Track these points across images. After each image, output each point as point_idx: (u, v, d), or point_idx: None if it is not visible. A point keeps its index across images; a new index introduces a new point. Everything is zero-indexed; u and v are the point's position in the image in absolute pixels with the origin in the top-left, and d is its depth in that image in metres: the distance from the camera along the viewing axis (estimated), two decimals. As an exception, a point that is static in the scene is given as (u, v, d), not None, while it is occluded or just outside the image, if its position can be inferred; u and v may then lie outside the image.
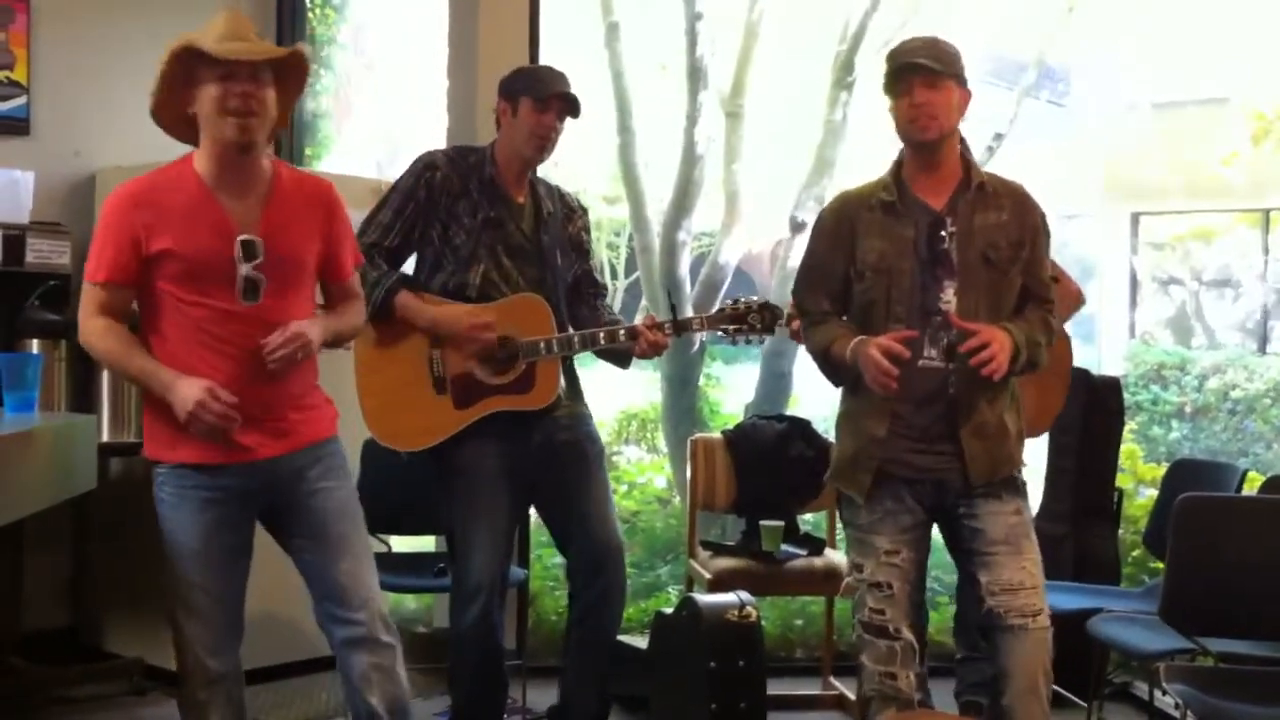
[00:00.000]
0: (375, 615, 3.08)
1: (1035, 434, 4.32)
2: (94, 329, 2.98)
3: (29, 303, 4.55)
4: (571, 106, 3.74)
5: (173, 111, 3.00)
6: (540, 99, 3.69)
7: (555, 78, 3.75)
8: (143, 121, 5.26)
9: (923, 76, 3.14)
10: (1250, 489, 4.41)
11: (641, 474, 7.46)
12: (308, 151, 5.76)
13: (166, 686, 4.61)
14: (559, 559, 5.63)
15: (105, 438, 4.53)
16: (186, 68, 2.92)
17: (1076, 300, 4.24)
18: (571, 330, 3.77)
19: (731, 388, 8.55)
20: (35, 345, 4.49)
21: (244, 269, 2.95)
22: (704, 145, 7.12)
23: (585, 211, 4.03)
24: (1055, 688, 4.13)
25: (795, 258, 7.19)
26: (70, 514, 4.70)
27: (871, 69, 7.22)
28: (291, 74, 3.04)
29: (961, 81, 3.21)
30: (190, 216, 2.94)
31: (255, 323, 2.96)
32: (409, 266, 3.83)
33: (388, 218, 3.73)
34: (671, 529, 6.61)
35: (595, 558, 3.82)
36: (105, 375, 4.63)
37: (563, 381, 3.76)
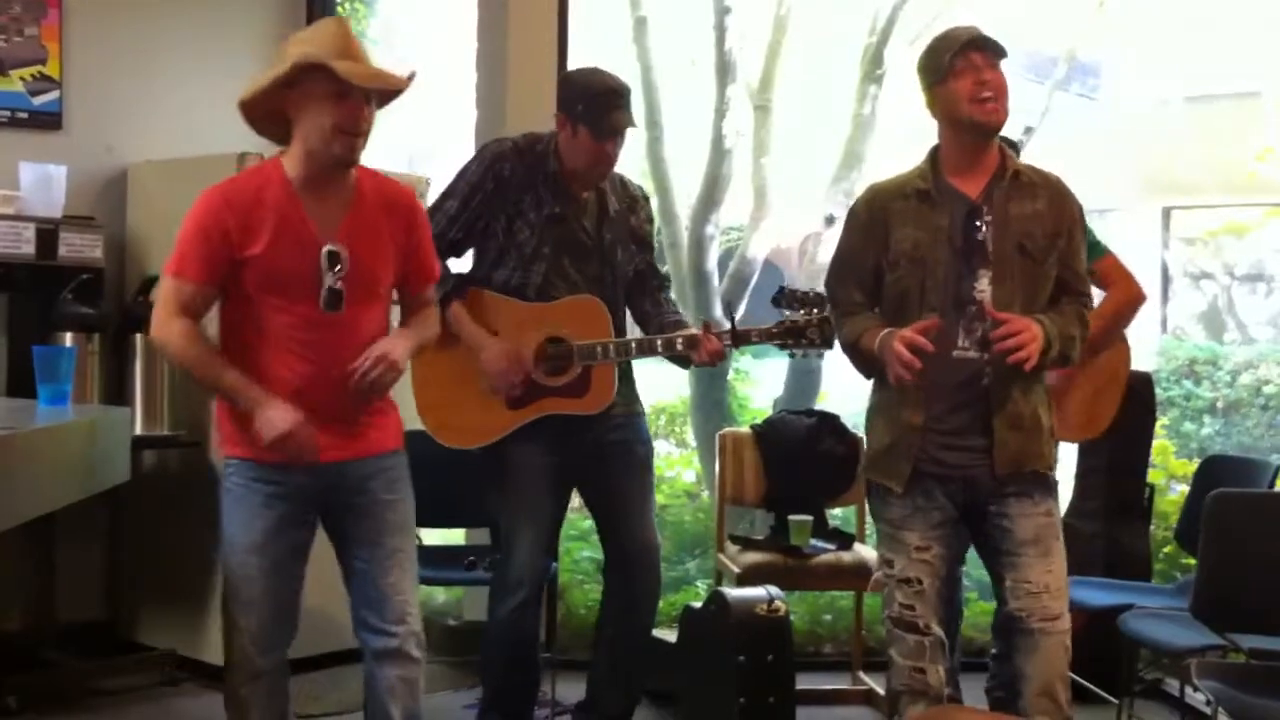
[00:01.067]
0: (411, 631, 3.12)
1: (1087, 438, 4.29)
2: (176, 331, 2.94)
3: (62, 296, 4.57)
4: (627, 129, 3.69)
5: (264, 108, 2.99)
6: (599, 132, 3.62)
7: (617, 106, 3.65)
8: (175, 116, 5.33)
9: (987, 55, 3.11)
10: (1283, 485, 4.38)
11: (670, 468, 7.46)
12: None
13: (200, 678, 4.65)
14: (588, 552, 5.65)
15: (138, 430, 4.56)
16: (292, 76, 2.91)
17: (1137, 299, 4.14)
18: (629, 335, 3.77)
19: (760, 382, 8.54)
20: (68, 338, 4.52)
21: (328, 279, 2.96)
22: (732, 139, 7.12)
23: (648, 200, 3.98)
24: (1087, 684, 4.13)
25: (824, 252, 7.19)
26: (104, 507, 4.73)
27: (901, 62, 7.21)
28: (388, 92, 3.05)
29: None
30: (278, 225, 2.95)
31: (336, 329, 2.99)
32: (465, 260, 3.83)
33: (454, 208, 3.70)
34: (700, 523, 6.62)
35: (632, 558, 3.84)
36: (138, 368, 4.67)
37: (618, 383, 3.73)
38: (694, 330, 3.73)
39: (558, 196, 3.70)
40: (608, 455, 3.79)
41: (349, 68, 2.87)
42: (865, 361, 3.29)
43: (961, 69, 3.13)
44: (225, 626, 3.07)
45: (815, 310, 3.63)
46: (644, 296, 3.88)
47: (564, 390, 3.68)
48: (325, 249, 2.96)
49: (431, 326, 3.27)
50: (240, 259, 2.93)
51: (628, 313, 3.89)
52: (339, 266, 2.97)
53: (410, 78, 3.04)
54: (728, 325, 3.73)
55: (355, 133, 2.92)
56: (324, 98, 2.89)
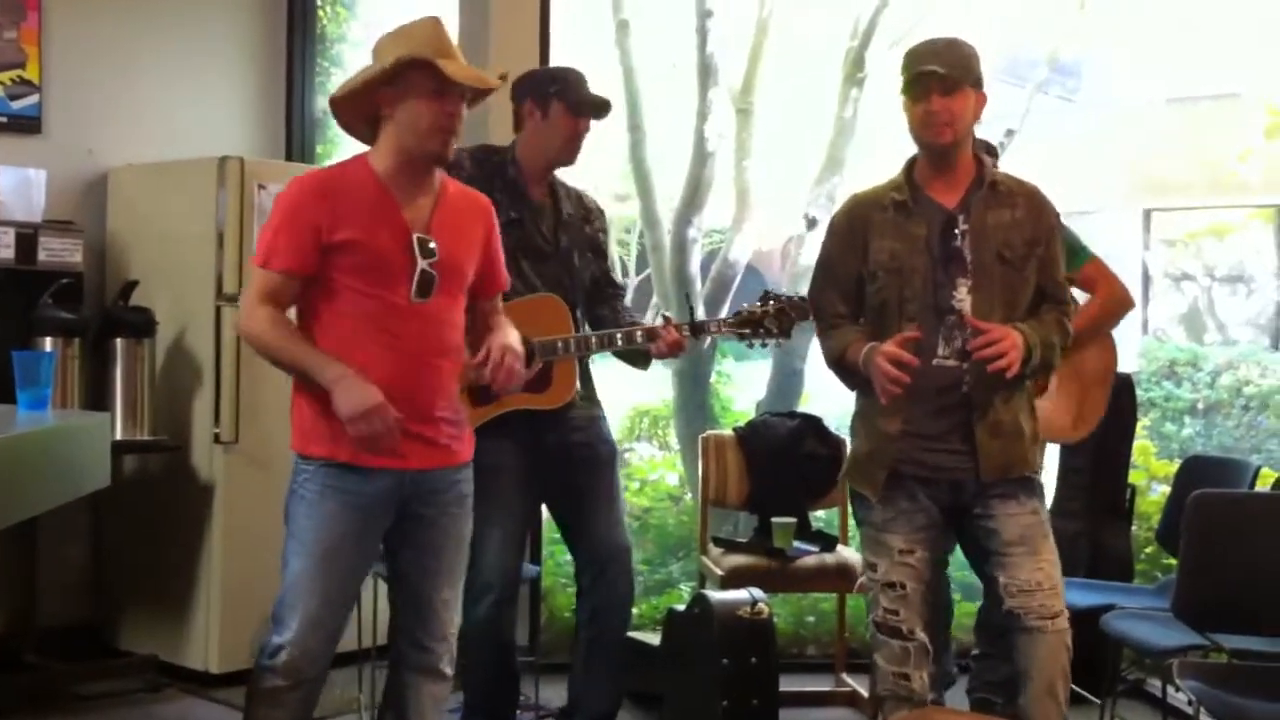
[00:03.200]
0: (449, 648, 3.13)
1: (1076, 437, 4.31)
2: (262, 317, 2.92)
3: (42, 301, 4.56)
4: (602, 110, 3.77)
5: (356, 105, 3.00)
6: (575, 105, 3.70)
7: (585, 83, 3.76)
8: (155, 120, 5.31)
9: (938, 83, 3.14)
10: (1263, 485, 4.39)
11: (653, 471, 7.45)
12: (319, 149, 5.77)
13: (181, 683, 4.63)
14: (570, 556, 5.64)
15: (119, 435, 4.54)
16: (394, 72, 2.92)
17: (1123, 303, 4.16)
18: (589, 331, 3.79)
19: (743, 384, 8.52)
20: (48, 343, 4.50)
21: (421, 264, 2.96)
22: (715, 142, 7.11)
23: (603, 214, 4.04)
24: (1070, 684, 4.13)
25: (806, 255, 7.19)
26: (85, 511, 4.72)
27: (883, 65, 7.21)
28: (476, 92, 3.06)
29: (977, 85, 3.20)
30: (370, 211, 2.95)
31: (423, 320, 2.97)
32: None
33: None
34: (683, 526, 6.61)
35: (603, 559, 3.85)
36: (119, 373, 4.65)
37: (578, 384, 3.77)
38: (653, 324, 3.78)
39: (514, 202, 3.74)
40: (571, 457, 3.81)
41: (451, 66, 2.90)
42: (850, 375, 3.30)
43: (915, 96, 3.17)
44: (274, 627, 2.98)
45: (771, 302, 3.69)
46: (601, 304, 3.91)
47: (525, 387, 3.69)
48: (416, 235, 2.97)
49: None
50: (331, 244, 2.91)
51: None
52: (431, 254, 2.97)
53: (503, 78, 3.08)
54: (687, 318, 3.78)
55: (450, 130, 2.95)
56: (422, 95, 2.92)
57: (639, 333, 3.72)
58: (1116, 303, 4.13)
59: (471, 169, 3.73)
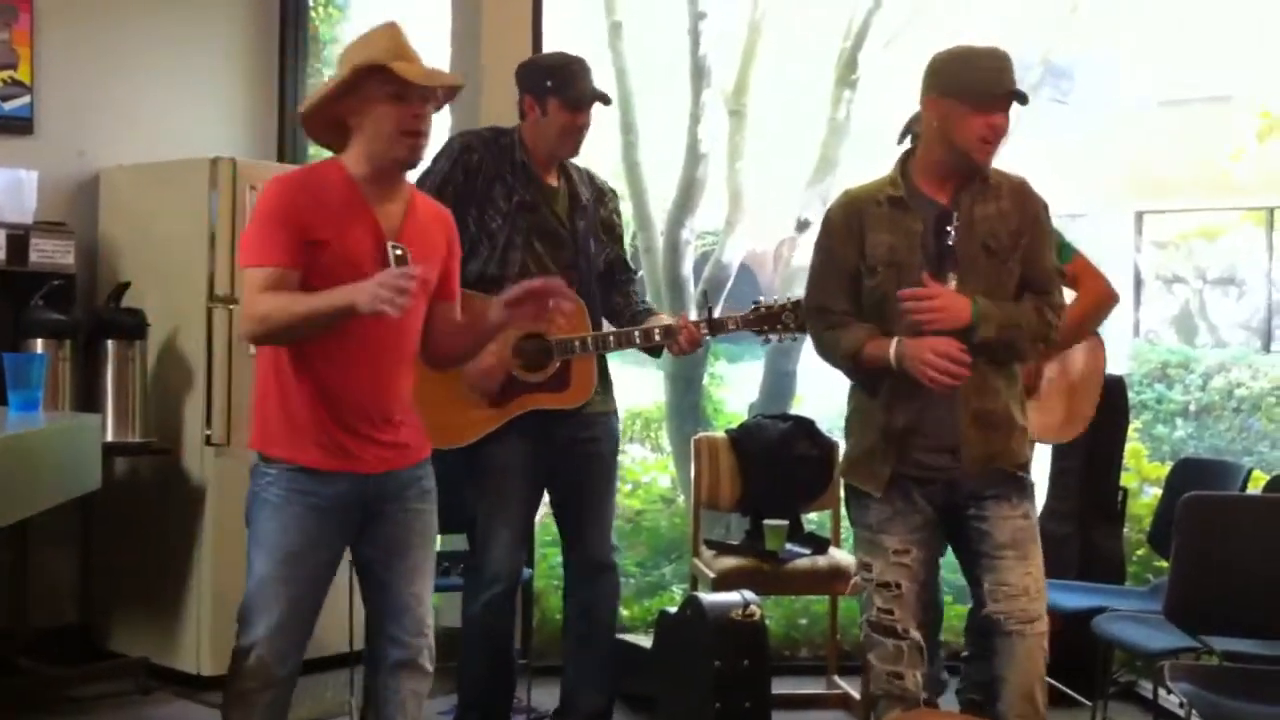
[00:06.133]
0: (427, 643, 3.11)
1: (1068, 437, 4.32)
2: (262, 301, 2.86)
3: (33, 302, 4.55)
4: (600, 101, 3.76)
5: (324, 117, 2.98)
6: (572, 101, 3.70)
7: (583, 76, 3.75)
8: (147, 121, 5.30)
9: (1012, 102, 3.14)
10: (1255, 488, 4.40)
11: (646, 473, 7.46)
12: (311, 150, 5.75)
13: (172, 686, 4.62)
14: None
15: (110, 437, 4.53)
16: (353, 81, 2.91)
17: (1108, 298, 4.16)
18: (606, 326, 3.79)
19: (735, 387, 8.54)
20: (39, 345, 4.49)
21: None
22: (707, 144, 7.12)
23: (615, 194, 4.03)
24: (1061, 687, 4.15)
25: (799, 257, 7.20)
26: (76, 513, 4.70)
27: (875, 67, 7.23)
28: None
29: None
30: (346, 214, 2.94)
31: (387, 326, 2.89)
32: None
33: None
34: (675, 528, 6.61)
35: (593, 562, 3.88)
36: (110, 375, 4.64)
37: (597, 379, 3.77)
38: (670, 320, 3.78)
39: (527, 185, 3.74)
40: (577, 454, 3.81)
41: (407, 68, 2.90)
42: (865, 372, 3.27)
43: (983, 109, 3.13)
44: (240, 629, 2.98)
45: (789, 297, 3.69)
46: (613, 289, 3.90)
47: (544, 385, 3.69)
48: (391, 243, 2.96)
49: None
50: (312, 241, 2.90)
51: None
52: (403, 262, 2.94)
53: (464, 76, 3.07)
54: (704, 315, 3.78)
55: (416, 132, 2.94)
56: (383, 100, 2.91)
57: (657, 331, 3.72)
58: (1102, 298, 4.13)
59: (482, 150, 3.74)
